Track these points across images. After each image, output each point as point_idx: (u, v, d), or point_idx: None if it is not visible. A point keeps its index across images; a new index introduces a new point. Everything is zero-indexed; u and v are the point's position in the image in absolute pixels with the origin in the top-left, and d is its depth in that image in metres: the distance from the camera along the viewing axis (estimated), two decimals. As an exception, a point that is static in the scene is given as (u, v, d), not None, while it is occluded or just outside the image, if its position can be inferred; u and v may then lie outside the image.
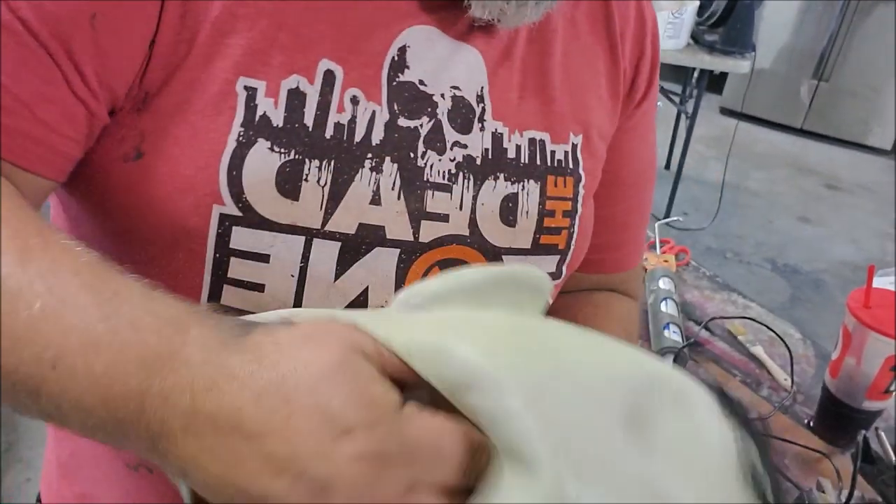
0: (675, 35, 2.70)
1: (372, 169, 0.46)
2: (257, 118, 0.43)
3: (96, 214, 0.46)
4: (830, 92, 4.32)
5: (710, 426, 0.38)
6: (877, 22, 4.06)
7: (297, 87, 0.44)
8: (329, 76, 0.45)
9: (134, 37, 0.41)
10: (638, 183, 0.67)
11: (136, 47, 0.41)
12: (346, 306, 0.48)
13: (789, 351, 1.01)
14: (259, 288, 0.45)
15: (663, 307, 1.06)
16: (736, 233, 3.30)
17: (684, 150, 3.06)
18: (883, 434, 0.84)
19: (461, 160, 0.50)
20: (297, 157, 0.44)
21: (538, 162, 0.53)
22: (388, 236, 0.47)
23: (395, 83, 0.47)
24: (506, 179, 0.51)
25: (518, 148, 0.52)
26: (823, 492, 0.74)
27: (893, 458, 0.80)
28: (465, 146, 0.50)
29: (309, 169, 0.44)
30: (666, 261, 1.23)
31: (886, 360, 0.80)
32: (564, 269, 0.57)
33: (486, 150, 0.51)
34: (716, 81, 4.28)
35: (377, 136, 0.46)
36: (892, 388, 0.82)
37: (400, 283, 0.48)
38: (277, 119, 0.44)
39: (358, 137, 0.46)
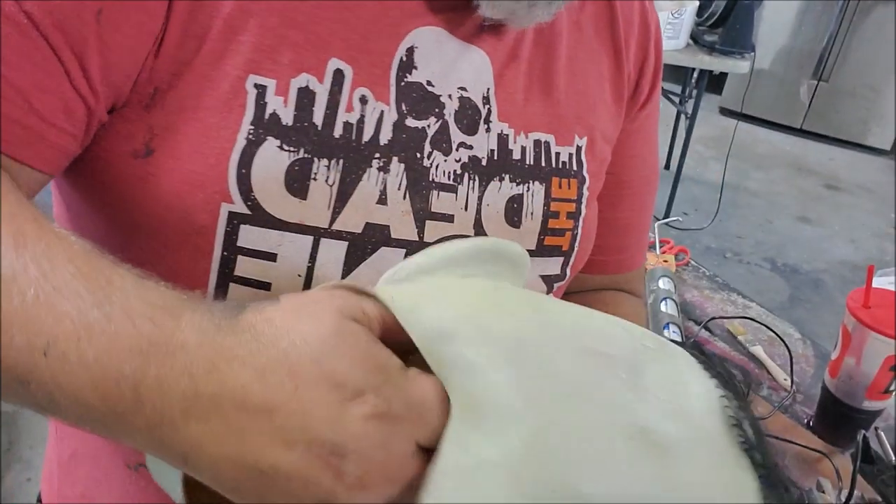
0: (674, 35, 2.70)
1: (380, 169, 0.46)
2: (267, 116, 0.43)
3: (102, 211, 0.46)
4: (830, 92, 4.33)
5: (691, 377, 0.40)
6: (876, 22, 4.06)
7: (307, 86, 0.44)
8: (338, 75, 0.45)
9: (140, 33, 0.40)
10: (642, 186, 0.67)
11: (142, 44, 0.41)
12: None
13: (789, 351, 1.01)
14: (265, 287, 0.45)
15: (663, 307, 1.07)
16: (735, 233, 3.30)
17: (684, 150, 3.06)
18: (883, 434, 0.84)
19: (467, 161, 0.50)
20: (305, 155, 0.44)
21: (543, 163, 0.53)
22: (392, 236, 0.47)
23: (403, 83, 0.47)
24: (511, 181, 0.52)
25: (523, 149, 0.52)
26: (823, 492, 0.74)
27: (893, 458, 0.80)
28: (470, 147, 0.50)
29: (317, 168, 0.44)
30: (666, 261, 1.24)
31: (886, 360, 0.80)
32: (568, 270, 0.57)
33: (492, 151, 0.51)
34: (715, 81, 4.29)
35: (385, 136, 0.46)
36: (892, 387, 0.82)
37: None
38: (287, 117, 0.44)
39: (366, 137, 0.46)
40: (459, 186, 0.50)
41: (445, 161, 0.49)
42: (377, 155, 0.46)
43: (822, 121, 4.40)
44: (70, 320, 0.30)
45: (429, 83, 0.48)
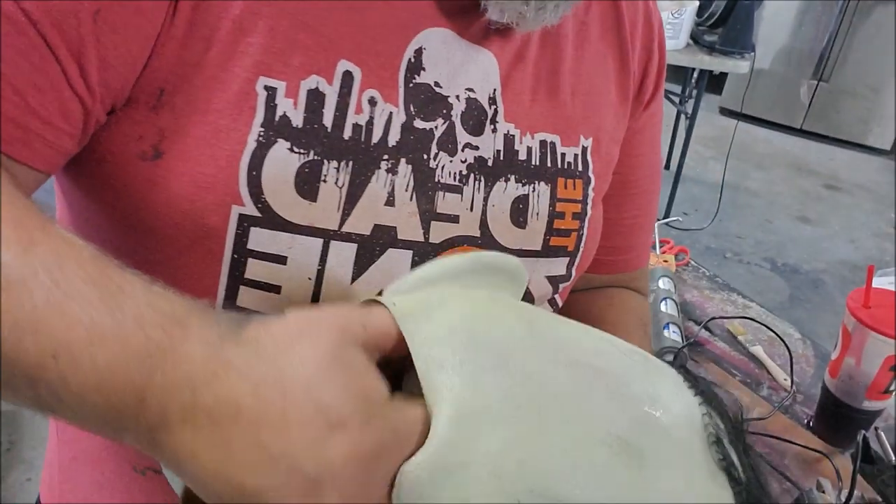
0: (674, 35, 2.70)
1: (388, 170, 0.46)
2: (277, 118, 0.43)
3: (111, 214, 0.45)
4: (830, 92, 4.33)
5: (675, 394, 0.42)
6: (876, 22, 4.06)
7: (317, 88, 0.44)
8: (347, 77, 0.45)
9: (138, 34, 0.40)
10: (646, 185, 0.68)
11: (141, 44, 0.40)
12: None
13: (789, 351, 1.01)
14: (275, 289, 0.45)
15: (663, 307, 1.07)
16: (735, 233, 3.30)
17: (684, 150, 3.06)
18: (883, 434, 0.85)
19: (472, 161, 0.50)
20: (315, 157, 0.44)
21: (549, 164, 0.54)
22: (399, 237, 0.47)
23: (411, 85, 0.47)
24: (517, 181, 0.52)
25: (529, 150, 0.53)
26: (823, 492, 0.74)
27: (893, 458, 0.81)
28: (476, 148, 0.50)
29: (327, 170, 0.44)
30: (666, 261, 1.24)
31: (886, 360, 0.81)
32: (574, 270, 0.57)
33: (498, 151, 0.51)
34: (715, 81, 4.29)
35: (393, 137, 0.47)
36: (892, 387, 0.83)
37: None
38: (297, 119, 0.44)
39: (375, 139, 0.46)
40: (465, 187, 0.50)
41: (451, 162, 0.49)
42: (386, 156, 0.46)
43: (822, 121, 4.40)
44: (82, 326, 0.31)
45: (436, 84, 0.49)
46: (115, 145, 0.43)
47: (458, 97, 0.49)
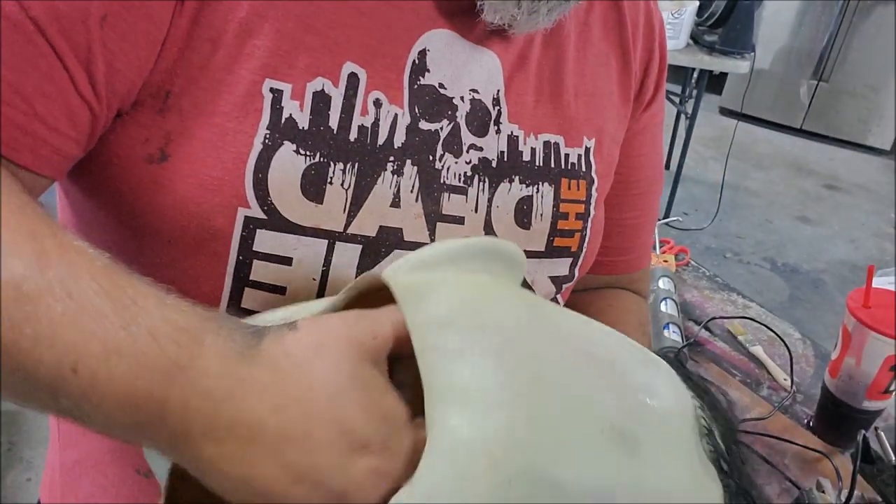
0: (674, 35, 2.70)
1: (394, 172, 0.47)
2: (283, 120, 0.43)
3: (115, 216, 0.45)
4: (830, 92, 4.33)
5: (671, 387, 0.43)
6: (876, 22, 4.06)
7: (323, 90, 0.44)
8: (353, 79, 0.45)
9: (145, 39, 0.40)
10: (648, 186, 0.68)
11: (148, 49, 0.41)
12: None
13: (789, 351, 1.01)
14: (280, 290, 0.46)
15: (663, 307, 1.07)
16: (735, 233, 3.30)
17: (684, 150, 3.06)
18: (882, 434, 0.85)
19: (477, 163, 0.50)
20: (322, 159, 0.44)
21: (552, 165, 0.54)
22: (405, 238, 0.48)
23: (416, 86, 0.48)
24: (521, 182, 0.52)
25: (533, 151, 0.53)
26: (823, 492, 0.75)
27: (893, 458, 0.81)
28: (480, 149, 0.50)
29: (333, 172, 0.45)
30: (666, 261, 1.24)
31: (886, 360, 0.81)
32: (577, 271, 0.58)
33: (502, 152, 0.51)
34: (715, 81, 4.28)
35: (399, 139, 0.47)
36: (892, 387, 0.83)
37: None
38: (303, 122, 0.44)
39: (381, 140, 0.46)
40: (469, 188, 0.50)
41: (456, 163, 0.49)
42: (391, 158, 0.46)
43: (822, 121, 4.40)
44: (98, 340, 0.31)
45: (441, 86, 0.49)
46: (121, 148, 0.43)
47: (462, 98, 0.50)
